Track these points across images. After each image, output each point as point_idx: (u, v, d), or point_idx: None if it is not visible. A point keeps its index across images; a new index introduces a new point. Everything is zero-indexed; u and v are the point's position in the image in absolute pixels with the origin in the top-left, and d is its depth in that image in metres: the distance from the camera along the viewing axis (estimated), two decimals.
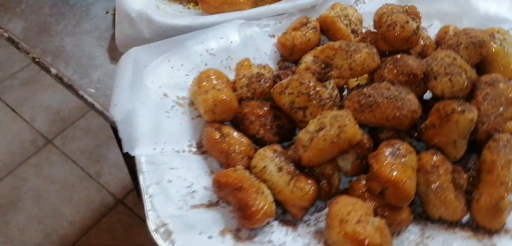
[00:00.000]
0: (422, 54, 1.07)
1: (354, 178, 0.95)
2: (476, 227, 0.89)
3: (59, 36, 1.25)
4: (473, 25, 1.09)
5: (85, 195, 2.29)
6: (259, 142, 0.98)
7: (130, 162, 1.61)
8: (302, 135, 0.91)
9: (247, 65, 1.05)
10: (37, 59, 1.20)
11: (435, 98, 0.98)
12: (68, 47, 1.22)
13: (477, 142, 0.94)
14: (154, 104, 1.00)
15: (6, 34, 1.26)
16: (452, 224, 0.90)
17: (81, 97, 1.13)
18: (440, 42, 1.09)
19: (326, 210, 0.92)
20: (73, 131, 2.57)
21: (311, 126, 0.91)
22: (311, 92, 0.95)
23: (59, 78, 1.17)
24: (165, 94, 1.03)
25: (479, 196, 0.88)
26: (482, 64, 1.03)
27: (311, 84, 0.96)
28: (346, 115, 0.89)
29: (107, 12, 1.30)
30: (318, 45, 1.12)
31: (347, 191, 0.93)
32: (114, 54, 1.19)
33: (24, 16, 1.30)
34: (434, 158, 0.89)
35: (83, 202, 2.27)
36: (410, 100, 0.93)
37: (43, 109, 2.69)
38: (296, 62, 1.12)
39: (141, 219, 2.16)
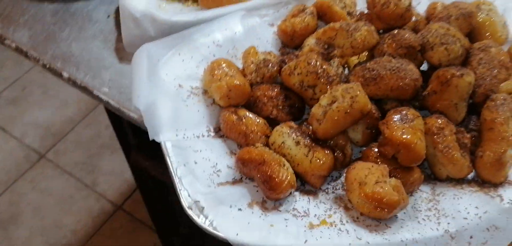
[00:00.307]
0: (414, 30, 1.12)
1: (364, 148, 1.00)
2: (481, 182, 0.94)
3: (65, 42, 1.26)
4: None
5: (84, 204, 2.30)
6: (272, 122, 1.02)
7: (134, 163, 1.63)
8: (316, 110, 0.95)
9: (253, 52, 1.08)
10: (47, 65, 1.22)
11: (432, 67, 1.03)
12: (76, 52, 1.24)
13: (475, 104, 0.99)
14: (171, 94, 1.03)
15: (13, 44, 1.27)
16: (459, 181, 0.94)
17: (96, 97, 1.15)
18: (430, 17, 1.14)
19: (341, 179, 0.97)
20: (65, 144, 2.56)
21: (324, 100, 0.95)
22: (319, 71, 0.99)
23: (71, 81, 1.19)
24: (180, 85, 1.05)
25: (482, 153, 0.93)
26: (470, 34, 1.09)
27: (318, 63, 1.00)
28: (356, 87, 0.93)
29: (108, 16, 1.32)
30: (316, 29, 1.16)
31: (359, 160, 0.98)
32: (122, 54, 1.22)
33: (28, 26, 1.31)
34: (439, 121, 0.94)
35: (82, 211, 2.27)
36: (411, 70, 0.98)
37: (32, 126, 2.68)
38: (297, 47, 1.16)
39: (142, 222, 2.18)
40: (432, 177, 0.97)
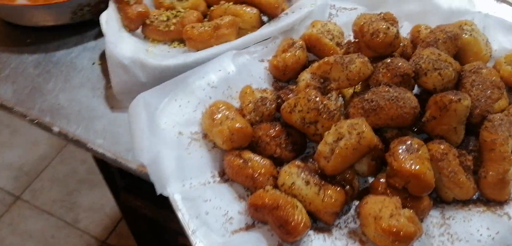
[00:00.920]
0: (403, 55, 1.10)
1: (369, 178, 0.98)
2: (486, 201, 0.93)
3: (52, 94, 1.18)
4: (439, 21, 1.14)
5: (66, 243, 2.18)
6: (276, 161, 0.98)
7: (125, 203, 1.55)
8: (322, 148, 0.92)
9: (250, 91, 1.04)
10: (36, 121, 1.13)
11: (426, 92, 1.02)
12: (65, 104, 1.15)
13: (472, 125, 0.98)
14: (173, 143, 0.98)
15: None
16: (465, 203, 0.93)
17: (90, 150, 1.08)
18: (415, 40, 1.14)
19: (351, 211, 0.94)
20: (40, 183, 2.43)
21: (329, 137, 0.92)
22: (320, 107, 0.96)
23: (63, 135, 1.11)
24: (180, 133, 1.00)
25: (485, 173, 0.91)
26: (456, 54, 1.08)
27: (318, 99, 0.96)
28: (362, 122, 0.90)
29: (93, 64, 1.25)
30: (306, 62, 1.13)
31: (366, 191, 0.95)
32: (113, 102, 1.15)
33: (11, 80, 1.22)
34: (442, 146, 0.92)
35: None
36: (409, 98, 0.96)
37: (4, 167, 2.54)
38: (289, 81, 1.13)
39: None
40: (438, 200, 0.95)
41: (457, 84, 1.01)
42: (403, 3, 1.21)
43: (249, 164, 0.94)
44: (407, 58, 1.10)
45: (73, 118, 1.12)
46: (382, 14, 1.08)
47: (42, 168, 2.49)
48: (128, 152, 1.05)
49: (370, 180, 0.98)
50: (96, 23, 1.26)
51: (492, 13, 1.18)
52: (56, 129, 1.11)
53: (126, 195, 1.49)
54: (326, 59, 1.03)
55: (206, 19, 1.23)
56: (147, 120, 0.99)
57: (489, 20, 1.16)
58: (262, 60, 1.15)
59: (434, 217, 0.91)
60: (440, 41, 1.05)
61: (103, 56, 1.24)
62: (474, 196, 0.94)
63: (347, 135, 0.90)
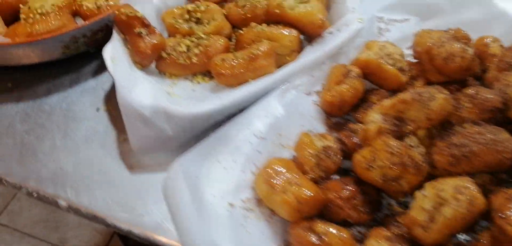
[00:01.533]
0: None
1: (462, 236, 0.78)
2: None
3: (50, 156, 0.91)
4: (504, 31, 0.94)
5: None
6: (348, 224, 0.77)
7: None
8: (418, 215, 0.71)
9: (309, 142, 0.81)
10: (35, 194, 0.86)
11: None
12: (69, 168, 0.89)
13: None
14: (225, 221, 0.74)
15: None
16: None
17: (111, 226, 0.83)
18: (481, 55, 0.93)
19: None
20: (18, 203, 2.12)
21: (426, 202, 0.71)
22: (405, 160, 0.74)
23: (73, 210, 0.85)
24: (231, 205, 0.77)
25: None
26: None
27: (402, 151, 0.75)
28: (470, 185, 0.69)
29: (98, 110, 0.97)
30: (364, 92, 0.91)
31: None
32: (131, 160, 0.89)
33: None
34: None
35: None
36: (508, 140, 0.76)
37: None
38: (344, 116, 0.91)
39: None
40: None
41: None
42: (461, 9, 0.99)
43: (325, 239, 0.73)
44: (476, 78, 0.90)
45: (82, 187, 0.86)
46: (452, 32, 0.87)
47: None
48: (160, 225, 0.81)
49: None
50: (93, 55, 0.99)
51: None
52: (63, 203, 0.86)
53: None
54: (401, 96, 0.81)
55: (232, 44, 0.98)
56: (191, 197, 0.74)
57: None
58: (309, 93, 0.91)
59: None
60: None
61: (108, 99, 0.98)
62: None
63: (453, 201, 0.69)
